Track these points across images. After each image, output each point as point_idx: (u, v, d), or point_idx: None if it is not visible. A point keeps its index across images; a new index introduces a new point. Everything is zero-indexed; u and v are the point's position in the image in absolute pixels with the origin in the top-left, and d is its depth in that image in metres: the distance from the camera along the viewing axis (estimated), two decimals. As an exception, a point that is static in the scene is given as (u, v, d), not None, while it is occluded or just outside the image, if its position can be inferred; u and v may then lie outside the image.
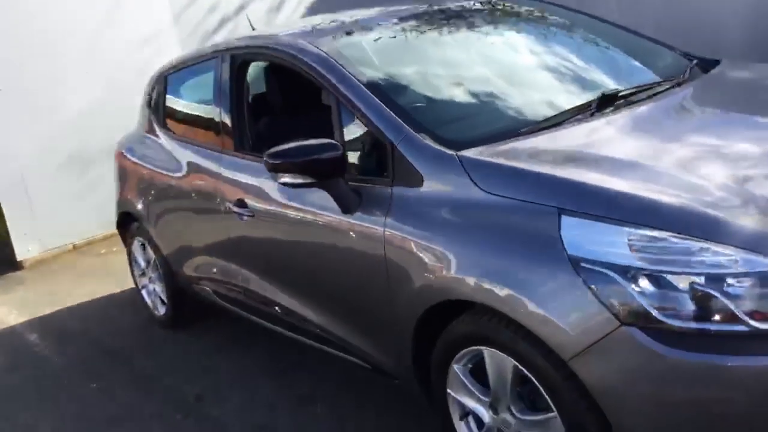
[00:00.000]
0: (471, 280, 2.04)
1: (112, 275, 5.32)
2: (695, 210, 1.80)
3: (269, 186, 2.89)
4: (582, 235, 1.85)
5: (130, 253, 4.37)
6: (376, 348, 2.56)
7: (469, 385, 2.21)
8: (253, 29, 3.92)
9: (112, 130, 5.90)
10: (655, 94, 2.54)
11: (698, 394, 1.72)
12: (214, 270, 3.45)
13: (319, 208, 2.60)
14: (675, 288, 1.72)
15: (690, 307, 1.70)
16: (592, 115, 2.38)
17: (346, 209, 2.44)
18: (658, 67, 2.84)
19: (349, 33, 2.99)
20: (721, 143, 2.18)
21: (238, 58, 3.23)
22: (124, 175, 4.22)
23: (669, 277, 1.72)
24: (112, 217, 6.17)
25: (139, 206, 3.97)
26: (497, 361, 2.08)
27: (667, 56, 2.97)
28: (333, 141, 2.46)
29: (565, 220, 1.88)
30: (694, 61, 2.89)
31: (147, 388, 3.53)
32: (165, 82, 3.93)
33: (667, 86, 2.61)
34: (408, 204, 2.28)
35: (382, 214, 2.34)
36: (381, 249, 2.34)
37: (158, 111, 3.95)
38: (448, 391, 2.29)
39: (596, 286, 1.78)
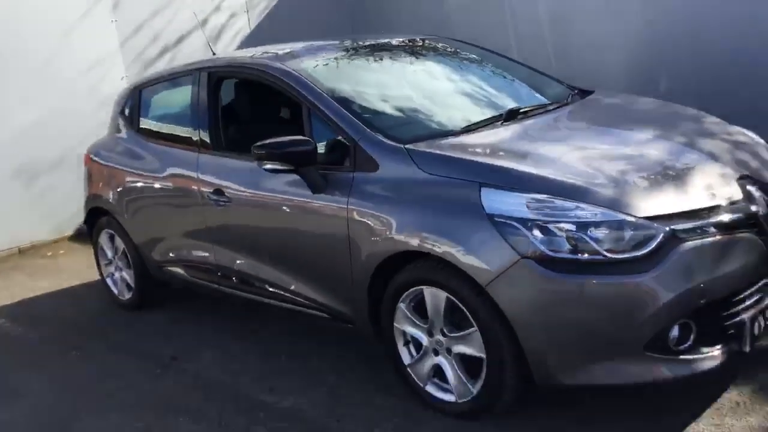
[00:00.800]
0: (418, 236, 2.81)
1: (64, 272, 5.78)
2: (570, 182, 2.65)
3: (244, 176, 3.60)
4: (495, 200, 2.66)
5: (96, 245, 4.89)
6: (338, 300, 3.28)
7: (412, 317, 2.96)
8: (214, 54, 4.63)
9: (60, 144, 6.50)
10: (546, 111, 3.44)
11: (577, 306, 2.53)
12: (189, 252, 4.08)
13: (290, 192, 3.32)
14: (556, 233, 2.55)
15: (566, 245, 2.54)
16: (501, 123, 3.24)
17: (316, 190, 3.17)
18: (549, 94, 3.75)
19: (309, 58, 3.75)
20: (590, 144, 3.08)
21: (214, 75, 3.93)
22: (94, 176, 4.76)
23: (552, 225, 2.56)
24: (59, 224, 6.71)
25: (112, 201, 4.53)
26: (434, 296, 2.85)
27: (556, 86, 3.90)
28: (306, 137, 3.21)
29: (484, 190, 2.69)
30: (575, 90, 3.83)
31: (124, 353, 4.07)
32: (140, 94, 4.55)
33: (555, 106, 3.52)
34: (366, 185, 3.04)
35: (345, 194, 3.09)
36: (344, 221, 3.08)
37: (133, 119, 4.56)
38: (395, 325, 3.04)
39: (505, 233, 2.59)
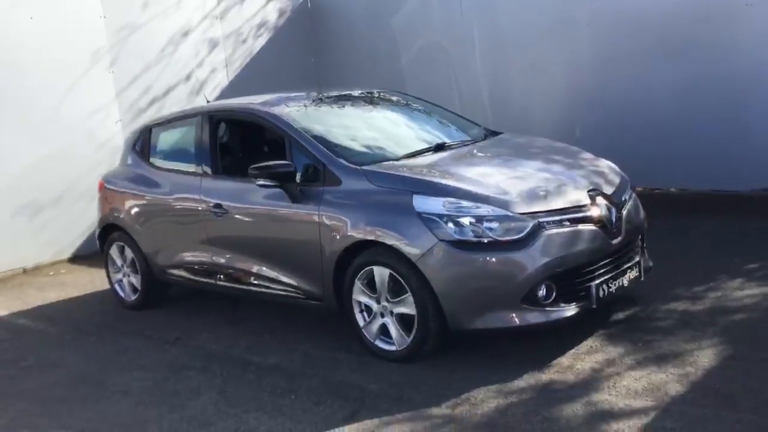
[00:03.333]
0: (370, 229, 3.97)
1: (68, 286, 6.74)
2: (474, 191, 3.86)
3: (239, 194, 4.73)
4: (422, 203, 3.85)
5: (107, 256, 5.91)
6: (310, 284, 4.39)
7: (366, 290, 4.10)
8: (208, 101, 5.81)
9: (62, 181, 7.54)
10: (465, 145, 4.69)
11: (477, 273, 3.71)
12: (191, 256, 5.16)
13: (275, 203, 4.46)
14: (463, 224, 3.74)
15: (470, 232, 3.72)
16: (432, 153, 4.47)
17: (295, 200, 4.33)
18: (469, 133, 5.01)
19: (288, 105, 4.95)
20: (496, 167, 4.32)
21: (215, 116, 5.10)
22: (108, 198, 5.83)
23: (460, 219, 3.75)
24: (59, 249, 7.66)
25: (125, 218, 5.60)
26: (381, 273, 3.99)
27: (474, 128, 5.17)
28: (288, 162, 4.39)
29: (415, 196, 3.89)
30: (490, 131, 5.10)
31: (135, 337, 5.10)
32: (150, 131, 5.68)
33: (471, 142, 4.77)
34: (332, 196, 4.21)
35: (317, 203, 4.25)
36: (316, 223, 4.23)
37: (144, 152, 5.67)
38: (353, 297, 4.16)
39: (429, 225, 3.77)
